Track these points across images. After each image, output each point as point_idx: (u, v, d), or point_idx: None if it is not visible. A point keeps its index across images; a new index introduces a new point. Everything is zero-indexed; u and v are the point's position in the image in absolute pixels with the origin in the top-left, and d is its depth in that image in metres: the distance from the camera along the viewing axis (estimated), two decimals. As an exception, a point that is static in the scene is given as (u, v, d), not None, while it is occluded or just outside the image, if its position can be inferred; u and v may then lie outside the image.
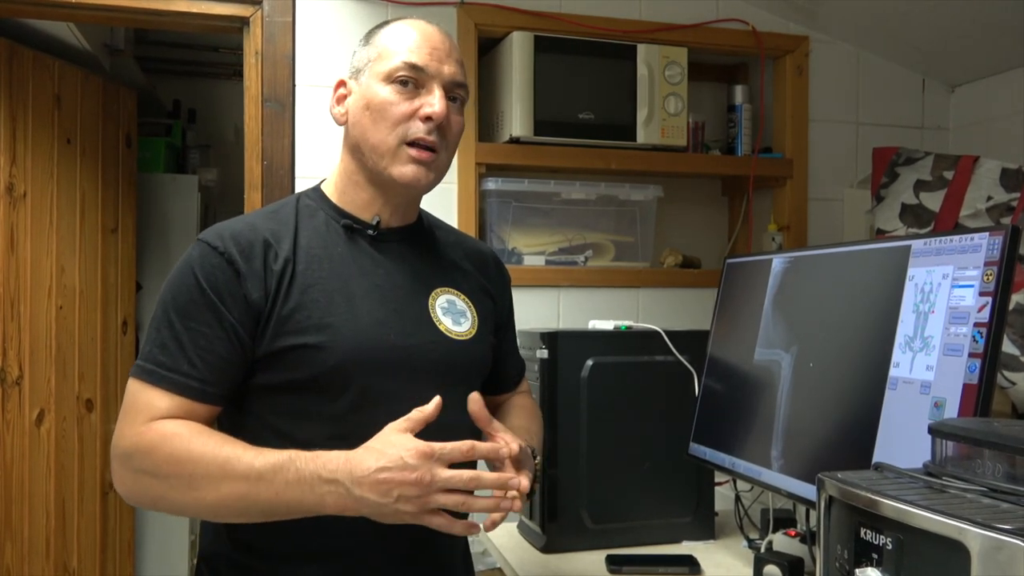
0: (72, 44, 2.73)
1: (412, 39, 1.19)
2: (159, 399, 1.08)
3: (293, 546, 1.13)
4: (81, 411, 2.85)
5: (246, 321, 1.11)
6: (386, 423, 1.05)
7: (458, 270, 1.31)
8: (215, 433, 1.08)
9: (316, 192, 1.27)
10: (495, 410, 1.42)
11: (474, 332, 1.26)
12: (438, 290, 1.26)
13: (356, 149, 1.22)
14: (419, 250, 1.28)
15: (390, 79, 1.17)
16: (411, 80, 1.17)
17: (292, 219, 1.20)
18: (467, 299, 1.29)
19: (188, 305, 1.11)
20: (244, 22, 2.09)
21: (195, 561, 1.30)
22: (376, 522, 1.04)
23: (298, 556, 1.13)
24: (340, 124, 1.25)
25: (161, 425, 1.07)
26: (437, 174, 1.21)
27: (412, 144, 1.17)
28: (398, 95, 1.17)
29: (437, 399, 1.07)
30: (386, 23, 1.25)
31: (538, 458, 1.25)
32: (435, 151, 1.18)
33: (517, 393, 1.46)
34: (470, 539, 1.37)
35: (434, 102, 1.16)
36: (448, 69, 1.19)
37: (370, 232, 1.22)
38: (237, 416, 1.16)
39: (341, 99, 1.24)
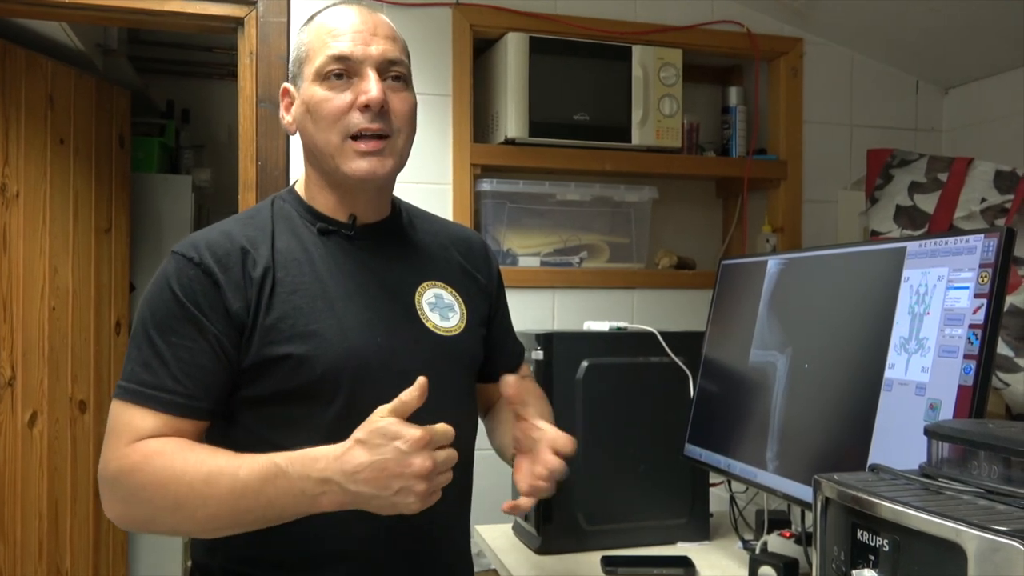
0: (65, 44, 2.72)
1: (334, 29, 1.14)
2: (143, 419, 1.04)
3: (288, 554, 1.11)
4: (74, 412, 2.84)
5: (229, 332, 1.08)
6: None
7: (443, 260, 1.28)
8: (198, 447, 1.04)
9: (291, 194, 1.23)
10: (499, 398, 1.38)
11: (463, 326, 1.23)
12: (424, 284, 1.22)
13: (310, 154, 1.19)
14: (400, 244, 1.24)
15: (321, 77, 1.13)
16: (342, 72, 1.12)
17: (269, 224, 1.17)
18: (454, 291, 1.25)
19: (168, 320, 1.07)
20: (238, 22, 2.09)
21: (188, 564, 1.29)
22: (371, 528, 1.03)
23: (294, 563, 1.11)
24: (292, 133, 1.21)
25: (144, 445, 1.03)
26: (396, 159, 1.16)
27: (357, 137, 1.12)
28: (332, 90, 1.12)
29: (422, 380, 0.99)
30: (311, 17, 1.20)
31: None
32: (386, 136, 1.14)
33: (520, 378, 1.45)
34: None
35: (369, 88, 1.11)
36: (377, 48, 1.13)
37: (346, 232, 1.19)
38: (226, 429, 1.13)
39: (288, 107, 1.21)
